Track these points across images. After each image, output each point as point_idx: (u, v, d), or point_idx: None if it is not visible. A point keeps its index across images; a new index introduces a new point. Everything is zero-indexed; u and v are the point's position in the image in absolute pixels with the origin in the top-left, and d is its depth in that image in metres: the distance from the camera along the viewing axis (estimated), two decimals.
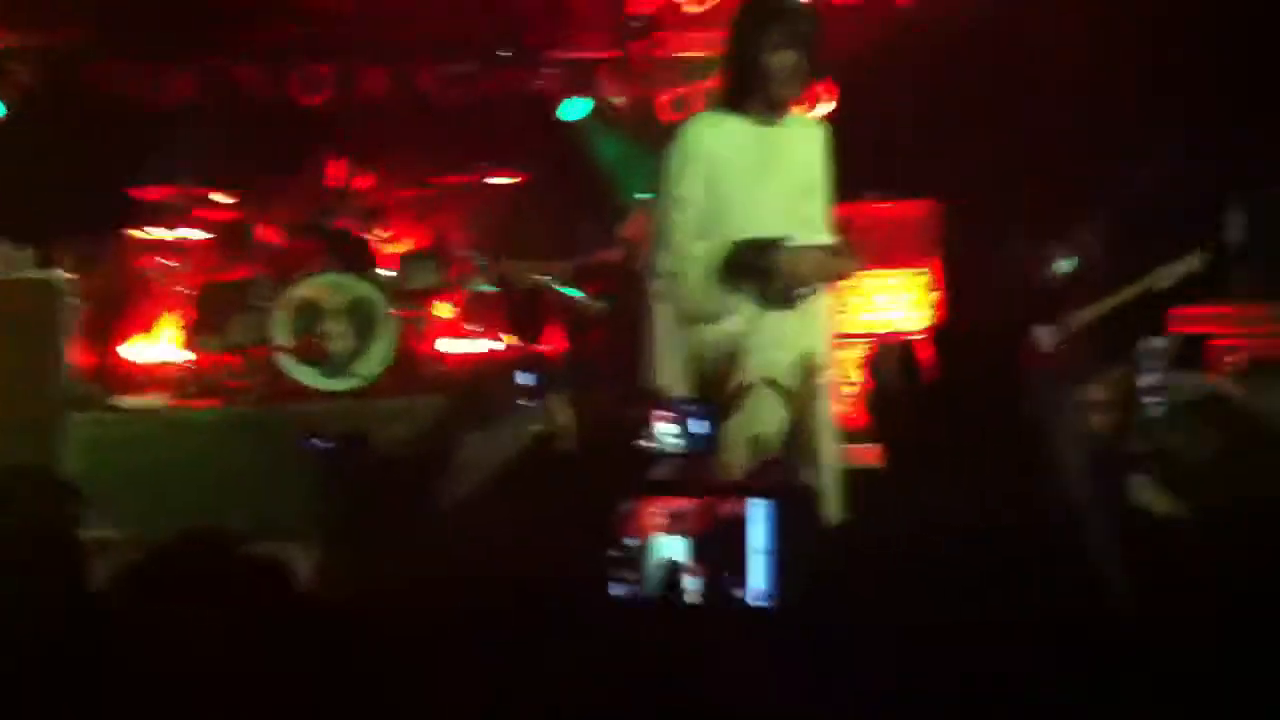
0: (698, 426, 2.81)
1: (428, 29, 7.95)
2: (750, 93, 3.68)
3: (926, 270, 7.03)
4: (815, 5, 4.29)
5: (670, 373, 3.67)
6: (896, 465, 2.73)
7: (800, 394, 3.70)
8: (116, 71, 7.60)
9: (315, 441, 2.58)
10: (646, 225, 6.13)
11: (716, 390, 3.59)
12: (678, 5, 7.85)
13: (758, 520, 2.42)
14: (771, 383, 3.64)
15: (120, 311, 6.90)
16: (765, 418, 3.62)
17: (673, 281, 3.66)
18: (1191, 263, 5.89)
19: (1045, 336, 6.08)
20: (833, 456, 3.69)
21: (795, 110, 3.83)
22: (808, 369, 3.72)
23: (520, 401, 2.90)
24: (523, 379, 2.95)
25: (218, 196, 7.01)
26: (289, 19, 7.69)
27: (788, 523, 2.46)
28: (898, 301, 6.98)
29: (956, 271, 6.88)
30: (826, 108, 7.81)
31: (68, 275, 6.19)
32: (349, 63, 7.93)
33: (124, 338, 6.89)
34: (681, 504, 2.55)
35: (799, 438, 3.66)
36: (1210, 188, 6.23)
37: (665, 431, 2.78)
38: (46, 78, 7.49)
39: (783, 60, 3.60)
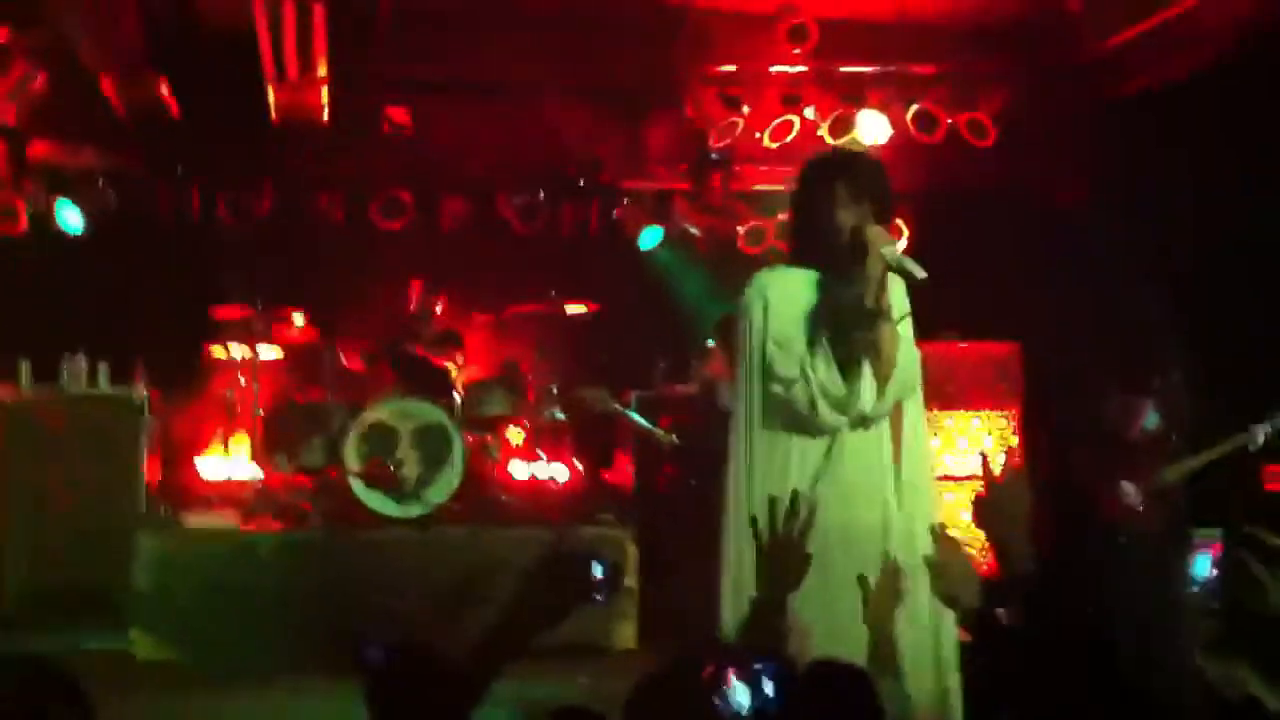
0: (770, 688, 2.67)
1: (507, 158, 8.06)
2: (815, 247, 3.62)
3: (1009, 413, 6.91)
4: (880, 155, 4.23)
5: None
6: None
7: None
8: (199, 194, 7.73)
9: (370, 654, 2.47)
10: (722, 361, 6.10)
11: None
12: (757, 140, 7.89)
13: None
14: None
15: (196, 429, 6.91)
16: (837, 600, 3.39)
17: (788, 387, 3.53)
18: None
19: (1133, 493, 5.90)
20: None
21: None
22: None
23: (594, 595, 2.78)
24: (598, 571, 2.83)
25: (295, 317, 7.05)
26: (367, 146, 7.81)
27: None
28: (980, 444, 6.85)
29: (1038, 417, 6.73)
30: (901, 244, 7.84)
31: (145, 392, 6.20)
32: (430, 189, 8.00)
33: (198, 455, 6.89)
34: None
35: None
36: None
37: (737, 692, 2.65)
38: (128, 197, 7.63)
39: (847, 216, 3.52)
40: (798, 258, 3.68)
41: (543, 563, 2.74)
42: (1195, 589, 5.92)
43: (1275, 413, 5.75)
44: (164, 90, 7.14)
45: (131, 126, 7.35)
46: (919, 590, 3.29)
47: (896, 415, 3.64)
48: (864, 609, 3.17)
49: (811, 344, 3.53)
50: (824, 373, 3.51)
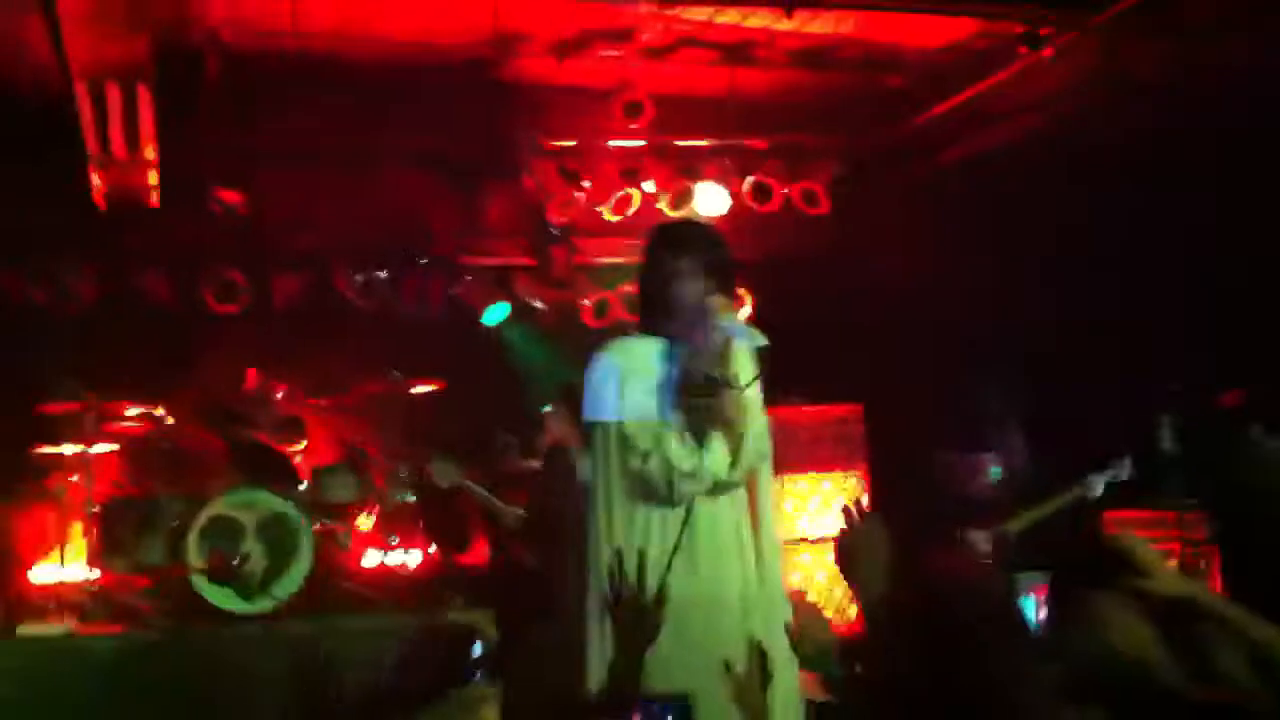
0: None
1: (344, 234, 7.93)
2: (662, 319, 3.66)
3: (857, 473, 7.04)
4: (720, 226, 4.30)
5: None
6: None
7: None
8: (19, 280, 7.39)
9: None
10: (563, 430, 6.08)
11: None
12: (598, 214, 7.95)
13: None
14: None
15: (27, 533, 6.55)
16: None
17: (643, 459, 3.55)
18: (1121, 471, 5.99)
19: (980, 543, 6.08)
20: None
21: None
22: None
23: (472, 675, 2.72)
24: (478, 649, 2.77)
25: (128, 410, 6.75)
26: (198, 226, 7.59)
27: None
28: (831, 506, 6.96)
29: (886, 476, 6.89)
30: (744, 312, 7.97)
31: None
32: (264, 269, 7.81)
33: (30, 560, 6.52)
34: None
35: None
36: (1141, 399, 6.38)
37: None
38: None
39: (691, 289, 3.58)
40: (646, 328, 3.72)
41: (418, 645, 2.68)
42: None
43: (1112, 463, 6.02)
44: None
45: None
46: (783, 665, 3.36)
47: (751, 483, 3.70)
48: (732, 687, 3.19)
49: (663, 415, 3.56)
50: (676, 444, 3.54)
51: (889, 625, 2.79)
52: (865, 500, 7.09)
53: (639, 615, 3.12)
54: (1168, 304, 6.57)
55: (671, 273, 3.62)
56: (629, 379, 3.59)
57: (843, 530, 2.98)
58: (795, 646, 3.10)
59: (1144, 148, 6.58)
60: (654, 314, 3.69)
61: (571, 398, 4.57)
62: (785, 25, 6.83)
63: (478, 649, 2.87)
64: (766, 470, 3.75)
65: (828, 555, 6.95)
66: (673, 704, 2.76)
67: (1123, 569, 3.13)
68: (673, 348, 3.62)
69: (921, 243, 7.47)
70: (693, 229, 4.12)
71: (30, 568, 6.53)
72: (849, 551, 2.92)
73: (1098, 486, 5.96)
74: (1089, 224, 6.76)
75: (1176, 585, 3.04)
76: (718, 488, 3.59)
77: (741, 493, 3.67)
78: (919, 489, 6.51)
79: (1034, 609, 6.18)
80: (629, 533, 3.57)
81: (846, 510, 3.00)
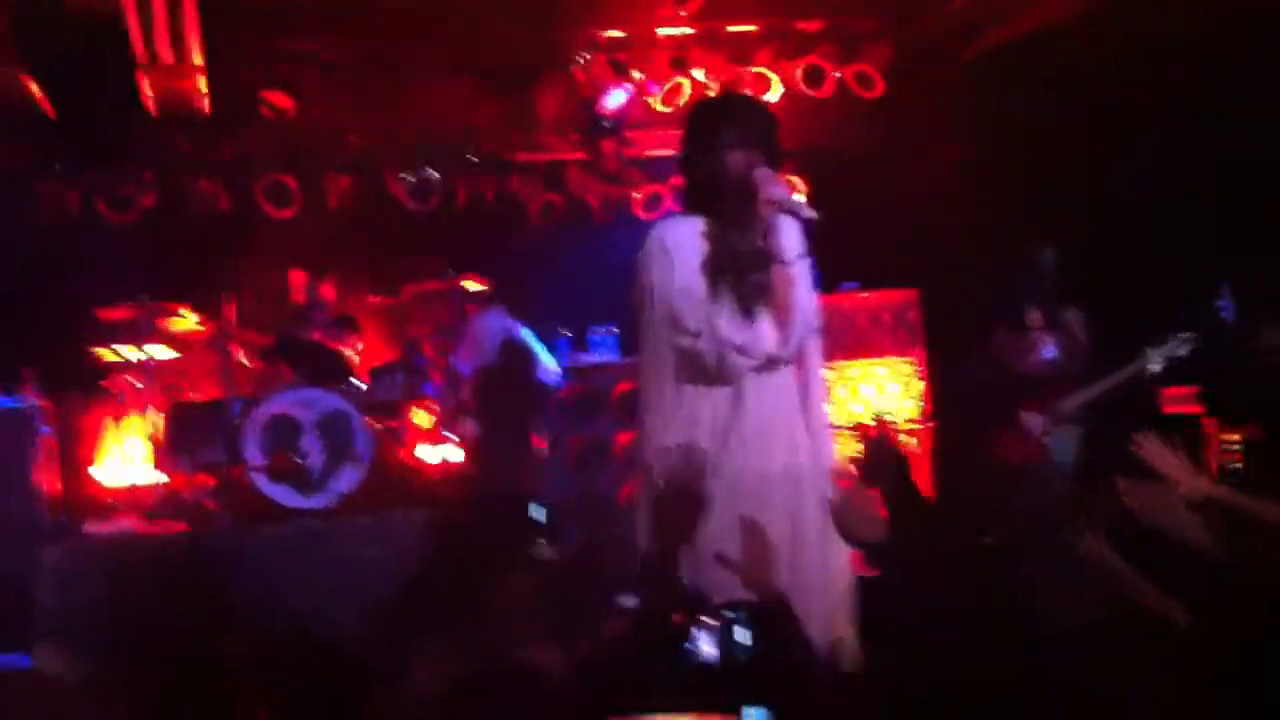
0: (742, 635, 2.64)
1: (394, 136, 7.91)
2: (708, 193, 3.58)
3: (912, 360, 6.95)
4: (768, 104, 4.19)
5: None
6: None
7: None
8: (75, 187, 7.49)
9: None
10: None
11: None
12: (647, 104, 7.84)
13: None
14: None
15: (91, 435, 6.71)
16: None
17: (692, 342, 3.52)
18: (1180, 347, 5.82)
19: (1035, 424, 5.98)
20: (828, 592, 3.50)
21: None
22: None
23: (535, 539, 2.73)
24: (535, 513, 2.78)
25: (185, 313, 6.86)
26: (249, 131, 7.62)
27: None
28: (885, 391, 6.90)
29: (942, 361, 6.79)
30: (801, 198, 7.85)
31: (35, 401, 6.01)
32: (315, 172, 7.83)
33: (95, 461, 6.69)
34: None
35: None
36: (1197, 272, 6.19)
37: (706, 640, 2.62)
38: (4, 198, 7.37)
39: (736, 160, 3.50)
40: (692, 206, 3.63)
41: (475, 513, 2.70)
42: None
43: (1170, 338, 5.86)
44: (33, 88, 6.90)
45: (2, 125, 7.11)
46: (833, 540, 3.34)
47: (800, 360, 3.65)
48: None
49: (713, 292, 3.51)
50: (727, 320, 3.50)
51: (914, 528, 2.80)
52: (921, 387, 7.12)
53: (675, 507, 3.13)
54: (1229, 179, 6.36)
55: (716, 144, 3.53)
56: (677, 257, 3.52)
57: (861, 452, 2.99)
58: (836, 519, 3.10)
59: (1205, 25, 6.31)
60: (700, 189, 3.61)
61: None
62: None
63: (539, 513, 2.88)
64: (815, 347, 3.69)
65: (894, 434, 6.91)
66: (740, 613, 2.71)
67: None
68: (718, 223, 3.54)
69: (974, 128, 7.28)
70: (737, 100, 4.04)
71: (94, 468, 6.70)
72: (865, 470, 2.94)
73: (1157, 362, 5.80)
74: (1145, 101, 6.53)
75: (1199, 489, 3.07)
76: (768, 364, 3.55)
77: (790, 370, 3.63)
78: (975, 370, 6.41)
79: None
80: (678, 411, 3.56)
81: (865, 430, 2.99)
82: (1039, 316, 6.32)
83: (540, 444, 6.94)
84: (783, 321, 3.53)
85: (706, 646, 2.58)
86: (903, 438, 6.72)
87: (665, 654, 2.56)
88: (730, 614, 2.54)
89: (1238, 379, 5.85)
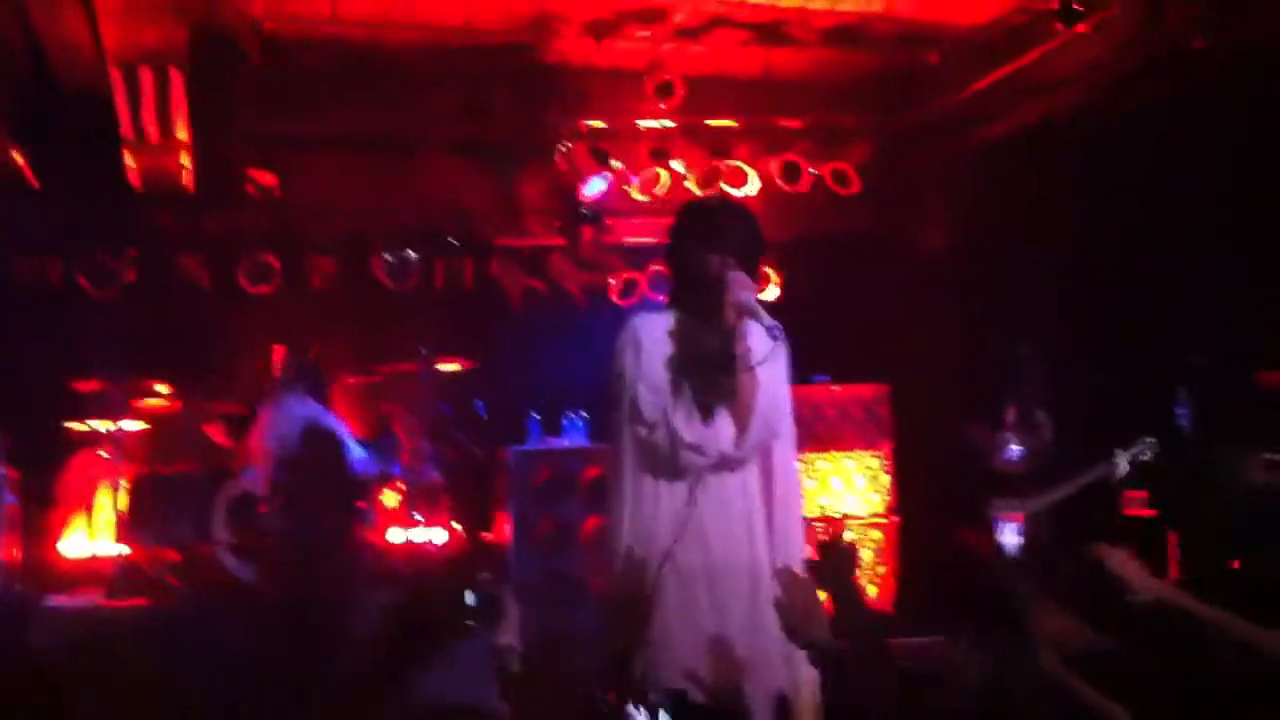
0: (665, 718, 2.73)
1: (378, 216, 8.01)
2: (683, 291, 3.71)
3: (880, 453, 7.01)
4: (747, 206, 4.31)
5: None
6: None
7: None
8: (56, 258, 7.54)
9: None
10: None
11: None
12: (626, 193, 7.96)
13: None
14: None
15: (58, 507, 6.70)
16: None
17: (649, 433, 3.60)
18: (1144, 451, 5.89)
19: (1002, 520, 6.03)
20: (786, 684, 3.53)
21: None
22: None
23: (469, 623, 2.77)
24: (471, 599, 2.81)
25: (159, 388, 6.88)
26: (232, 209, 7.70)
27: None
28: (853, 484, 6.94)
29: (910, 455, 6.84)
30: (770, 291, 7.95)
31: (3, 470, 6.01)
32: (298, 250, 7.90)
33: (61, 533, 6.67)
34: None
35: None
36: (1161, 378, 6.27)
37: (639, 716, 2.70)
38: None
39: (709, 262, 3.61)
40: (672, 302, 3.77)
41: (413, 596, 2.73)
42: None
43: (1135, 443, 5.92)
44: (18, 158, 6.98)
45: None
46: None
47: (765, 458, 3.71)
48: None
49: (674, 387, 3.59)
50: (683, 416, 3.57)
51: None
52: (887, 481, 7.15)
53: (627, 604, 3.16)
54: (1205, 280, 6.45)
55: (692, 245, 3.67)
56: (647, 349, 3.63)
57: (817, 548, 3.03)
58: (782, 618, 3.13)
59: (1184, 117, 6.44)
60: (678, 286, 3.77)
61: None
62: (818, 4, 6.80)
63: (471, 598, 2.91)
64: (784, 448, 3.76)
65: (845, 533, 6.93)
66: (668, 698, 2.80)
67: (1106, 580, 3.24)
68: (691, 321, 3.66)
69: (950, 223, 7.39)
70: (718, 204, 4.17)
71: (59, 540, 6.68)
72: (821, 567, 2.98)
73: (1123, 465, 5.87)
74: (1121, 200, 6.65)
75: (1150, 589, 3.21)
76: (725, 463, 3.62)
77: (754, 466, 3.69)
78: (943, 467, 6.46)
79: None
80: (638, 502, 3.63)
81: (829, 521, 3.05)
82: (1013, 414, 6.39)
83: (357, 538, 6.58)
84: (741, 422, 3.59)
85: None
86: (853, 535, 6.75)
87: None
88: (657, 699, 2.62)
89: (1193, 498, 5.89)
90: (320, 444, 6.06)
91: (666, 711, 2.74)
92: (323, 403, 6.93)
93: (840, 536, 3.26)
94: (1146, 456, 5.88)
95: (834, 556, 2.99)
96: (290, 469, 5.86)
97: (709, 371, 3.61)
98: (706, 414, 3.60)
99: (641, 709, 2.69)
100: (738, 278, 3.57)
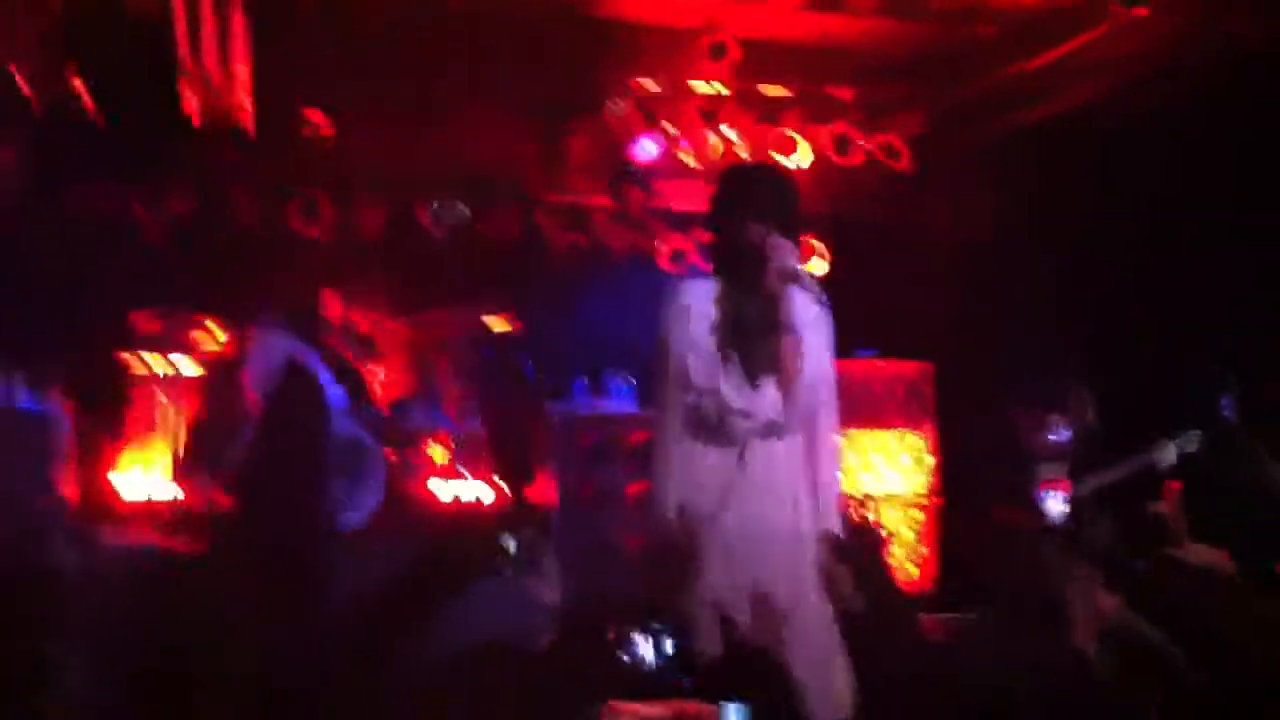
0: (671, 648, 2.83)
1: (428, 167, 8.00)
2: (728, 258, 3.75)
3: (923, 434, 7.07)
4: (793, 175, 4.35)
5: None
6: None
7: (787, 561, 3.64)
8: (112, 192, 7.52)
9: None
10: None
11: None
12: (678, 158, 7.95)
13: None
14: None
15: (114, 444, 6.73)
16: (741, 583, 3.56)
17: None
18: (1190, 442, 5.96)
19: (1049, 505, 6.11)
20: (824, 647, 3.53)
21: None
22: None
23: (502, 567, 2.86)
24: (506, 541, 2.90)
25: (212, 327, 6.90)
26: (290, 149, 7.69)
27: None
28: (898, 463, 7.00)
29: (953, 434, 6.90)
30: (817, 263, 7.98)
31: (61, 405, 6.04)
32: (348, 195, 7.90)
33: (116, 470, 6.71)
34: (653, 709, 2.61)
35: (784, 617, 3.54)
36: (1208, 369, 6.33)
37: (641, 649, 2.81)
38: (38, 196, 7.39)
39: (754, 229, 3.65)
40: (716, 269, 3.82)
41: (453, 538, 2.79)
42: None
43: (1184, 431, 5.99)
44: (79, 85, 6.94)
45: (45, 122, 7.13)
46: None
47: (809, 423, 3.77)
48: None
49: (721, 354, 3.64)
50: (731, 382, 3.63)
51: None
52: (930, 461, 7.21)
53: (666, 565, 3.23)
54: (1247, 271, 6.51)
55: (737, 211, 3.72)
56: (694, 316, 3.69)
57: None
58: (825, 585, 3.21)
59: (1238, 111, 6.47)
60: (722, 253, 3.82)
61: None
62: None
63: (510, 543, 3.00)
64: (829, 413, 3.82)
65: (889, 511, 7.01)
66: (669, 627, 2.90)
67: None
68: (736, 288, 3.71)
69: (1000, 202, 7.42)
70: (763, 171, 4.21)
71: (114, 478, 6.72)
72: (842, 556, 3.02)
73: (1170, 454, 5.93)
74: (1172, 187, 6.68)
75: (1201, 555, 3.24)
76: (771, 429, 3.67)
77: (798, 435, 3.75)
78: (986, 448, 6.53)
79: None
80: (685, 468, 3.70)
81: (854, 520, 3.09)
82: (1055, 397, 6.45)
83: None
84: (787, 389, 3.66)
85: (641, 653, 2.77)
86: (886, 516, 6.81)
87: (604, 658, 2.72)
88: (658, 626, 2.74)
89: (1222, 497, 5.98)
90: (296, 380, 6.00)
91: (670, 636, 2.84)
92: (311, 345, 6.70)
93: (865, 519, 3.32)
94: (1193, 448, 5.95)
95: (855, 535, 3.03)
96: (266, 406, 5.86)
97: (755, 338, 3.68)
98: (753, 380, 3.67)
99: (647, 638, 2.79)
100: (780, 244, 3.62)
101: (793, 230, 3.71)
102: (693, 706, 2.66)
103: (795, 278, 3.60)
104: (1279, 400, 6.01)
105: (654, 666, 2.79)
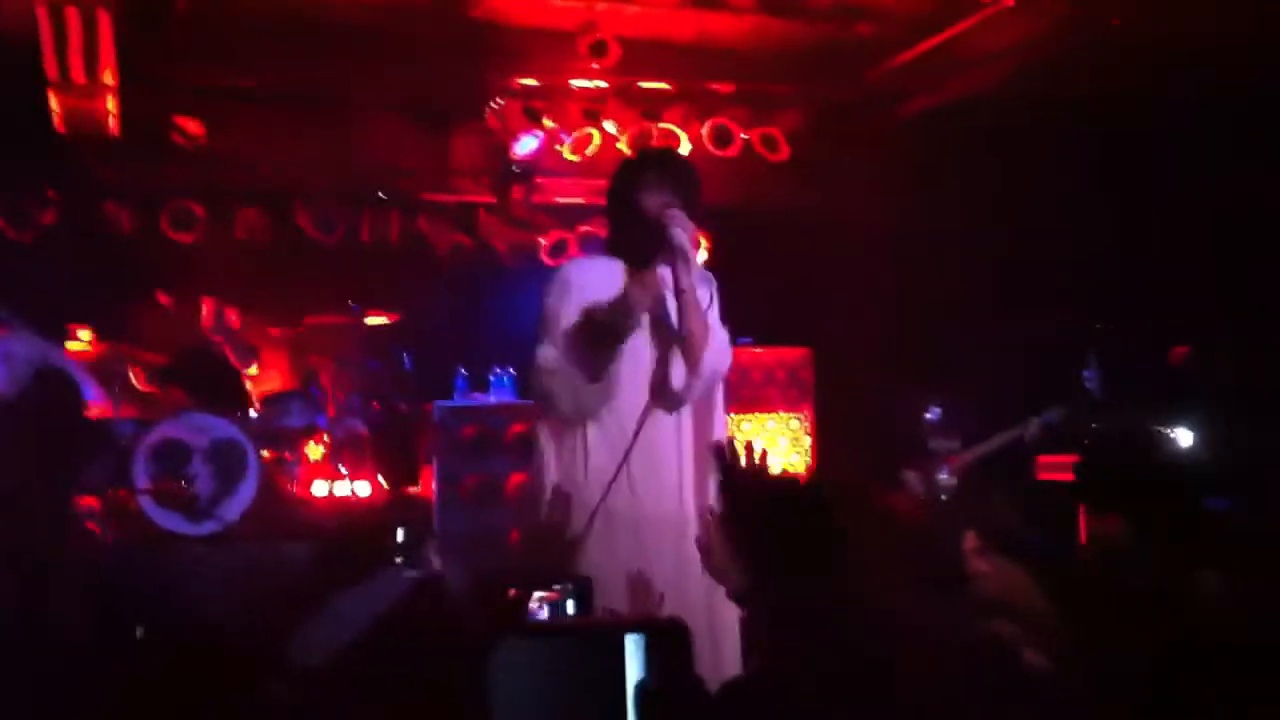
0: (573, 606, 2.81)
1: (306, 169, 7.95)
2: (624, 231, 3.73)
3: (802, 415, 7.12)
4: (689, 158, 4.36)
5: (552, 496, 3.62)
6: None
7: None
8: None
9: None
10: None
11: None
12: (558, 153, 7.97)
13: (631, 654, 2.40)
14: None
15: None
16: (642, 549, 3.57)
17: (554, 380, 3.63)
18: (1055, 416, 6.07)
19: (916, 483, 6.17)
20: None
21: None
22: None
23: (396, 559, 2.82)
24: (400, 535, 2.87)
25: (81, 333, 6.79)
26: (163, 156, 7.60)
27: (660, 659, 2.42)
28: (775, 445, 7.05)
29: (831, 417, 6.96)
30: (702, 256, 8.02)
31: None
32: (223, 200, 7.83)
33: None
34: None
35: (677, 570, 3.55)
36: (1072, 341, 6.44)
37: (541, 610, 2.79)
38: None
39: (653, 200, 3.63)
40: (610, 248, 3.79)
41: (344, 529, 2.76)
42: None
43: (1048, 409, 6.11)
44: None
45: None
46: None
47: (702, 405, 3.76)
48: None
49: (615, 327, 3.59)
50: (624, 356, 3.60)
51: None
52: (808, 443, 7.26)
53: (549, 545, 3.21)
54: (1120, 252, 6.62)
55: (634, 185, 3.69)
56: (575, 293, 3.66)
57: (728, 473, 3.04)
58: (703, 559, 3.19)
59: (1110, 98, 6.59)
60: (617, 230, 3.79)
61: None
62: None
63: (400, 534, 2.97)
64: (716, 393, 3.82)
65: None
66: (574, 582, 2.87)
67: None
68: (630, 264, 3.65)
69: (878, 193, 7.50)
70: (662, 150, 4.18)
71: None
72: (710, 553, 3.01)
73: (1033, 429, 6.04)
74: (1046, 176, 6.80)
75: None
76: (675, 400, 3.66)
77: (683, 414, 3.73)
78: (862, 429, 6.59)
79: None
80: (565, 451, 3.68)
81: (748, 446, 3.04)
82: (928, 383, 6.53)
83: (88, 500, 6.23)
84: (691, 361, 3.65)
85: (543, 615, 2.75)
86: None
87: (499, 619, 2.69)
88: (559, 587, 2.72)
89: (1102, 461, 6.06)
90: (47, 381, 5.72)
91: (572, 598, 2.82)
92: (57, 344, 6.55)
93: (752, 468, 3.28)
94: (1055, 421, 6.05)
95: (745, 492, 3.01)
96: (18, 411, 5.54)
97: (653, 314, 3.63)
98: (649, 354, 3.66)
99: (544, 603, 2.77)
100: (678, 216, 3.57)
101: (692, 206, 3.66)
102: None
103: (686, 255, 3.54)
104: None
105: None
